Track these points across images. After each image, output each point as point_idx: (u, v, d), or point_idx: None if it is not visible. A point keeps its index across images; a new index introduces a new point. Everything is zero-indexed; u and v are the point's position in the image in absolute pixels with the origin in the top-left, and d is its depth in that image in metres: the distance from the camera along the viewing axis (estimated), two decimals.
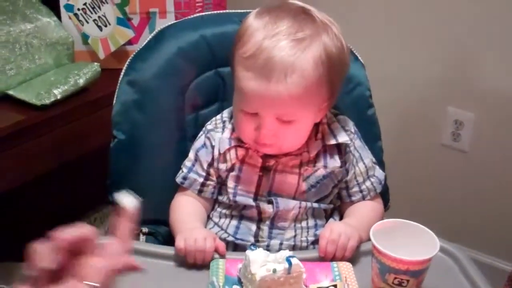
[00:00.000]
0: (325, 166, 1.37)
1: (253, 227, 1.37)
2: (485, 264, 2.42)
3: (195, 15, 1.55)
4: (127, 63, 1.46)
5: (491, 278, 2.31)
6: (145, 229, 1.42)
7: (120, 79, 1.45)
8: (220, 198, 1.41)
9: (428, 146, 2.43)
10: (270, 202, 1.36)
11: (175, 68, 1.44)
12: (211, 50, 1.47)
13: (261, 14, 1.31)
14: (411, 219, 2.47)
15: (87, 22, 1.98)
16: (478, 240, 2.43)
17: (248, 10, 1.53)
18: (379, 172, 1.45)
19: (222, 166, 1.38)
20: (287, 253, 1.15)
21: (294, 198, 1.37)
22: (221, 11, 1.56)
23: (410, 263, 1.08)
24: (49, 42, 1.90)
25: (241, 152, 1.36)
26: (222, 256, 1.25)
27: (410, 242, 1.13)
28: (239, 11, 1.54)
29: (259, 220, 1.37)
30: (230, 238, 1.37)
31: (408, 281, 1.10)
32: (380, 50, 2.36)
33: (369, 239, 1.14)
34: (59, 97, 1.78)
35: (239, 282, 1.18)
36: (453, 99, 2.31)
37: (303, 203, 1.36)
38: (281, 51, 1.23)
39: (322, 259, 1.26)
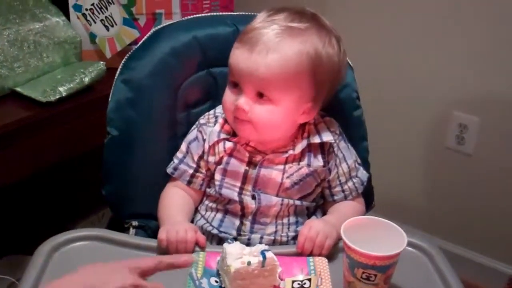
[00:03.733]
0: (308, 165, 1.41)
1: (237, 221, 1.42)
2: (488, 267, 2.43)
3: (190, 17, 1.59)
4: (122, 62, 1.51)
5: (493, 280, 2.34)
6: (135, 223, 1.46)
7: (115, 77, 1.50)
8: (208, 190, 1.46)
9: (432, 149, 2.45)
10: (254, 197, 1.40)
11: (168, 67, 1.49)
12: (203, 51, 1.52)
13: (270, 9, 1.38)
14: (414, 221, 2.51)
15: (95, 22, 2.04)
16: (481, 243, 2.45)
17: (243, 13, 1.58)
18: (362, 173, 1.49)
19: (211, 159, 1.43)
20: (262, 247, 1.20)
21: (277, 194, 1.41)
22: (215, 13, 1.60)
23: (376, 258, 1.12)
24: (57, 41, 1.97)
25: (229, 145, 1.41)
26: (202, 249, 1.30)
27: (382, 238, 1.17)
28: (233, 13, 1.59)
29: (242, 215, 1.41)
30: (215, 231, 1.42)
31: (375, 275, 1.13)
32: (387, 53, 2.39)
33: None
34: (64, 94, 1.83)
35: (218, 274, 1.23)
36: (458, 103, 2.33)
37: (286, 200, 1.40)
38: (270, 31, 1.32)
39: (300, 254, 1.30)
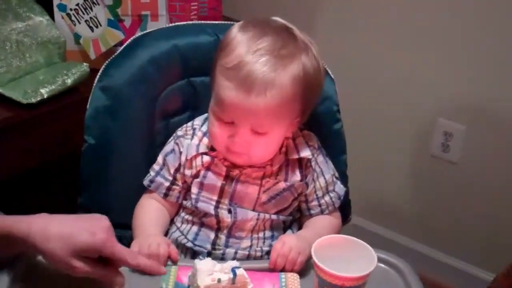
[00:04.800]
0: (285, 180, 1.41)
1: (212, 235, 1.41)
2: (470, 275, 2.44)
3: (171, 25, 1.59)
4: (101, 69, 1.49)
5: (474, 286, 2.34)
6: None
7: (94, 84, 1.48)
8: (184, 203, 1.45)
9: (417, 156, 2.45)
10: (230, 211, 1.40)
11: (147, 76, 1.47)
12: (183, 60, 1.50)
13: (246, 27, 1.34)
14: (398, 227, 2.51)
15: (79, 23, 2.02)
16: (465, 250, 2.45)
17: (224, 22, 1.58)
18: (339, 188, 1.48)
19: (188, 172, 1.42)
20: (233, 263, 1.19)
21: (254, 209, 1.40)
22: (196, 22, 1.59)
23: (345, 279, 1.11)
24: (40, 41, 1.94)
25: (207, 159, 1.40)
26: (175, 262, 1.29)
27: (353, 257, 1.17)
28: (213, 22, 1.58)
29: (218, 228, 1.41)
30: (189, 244, 1.41)
31: None
32: (372, 60, 2.38)
33: None
34: (45, 96, 1.82)
35: None
36: (444, 111, 2.33)
37: (262, 215, 1.40)
38: (263, 66, 1.27)
39: (272, 270, 1.29)
